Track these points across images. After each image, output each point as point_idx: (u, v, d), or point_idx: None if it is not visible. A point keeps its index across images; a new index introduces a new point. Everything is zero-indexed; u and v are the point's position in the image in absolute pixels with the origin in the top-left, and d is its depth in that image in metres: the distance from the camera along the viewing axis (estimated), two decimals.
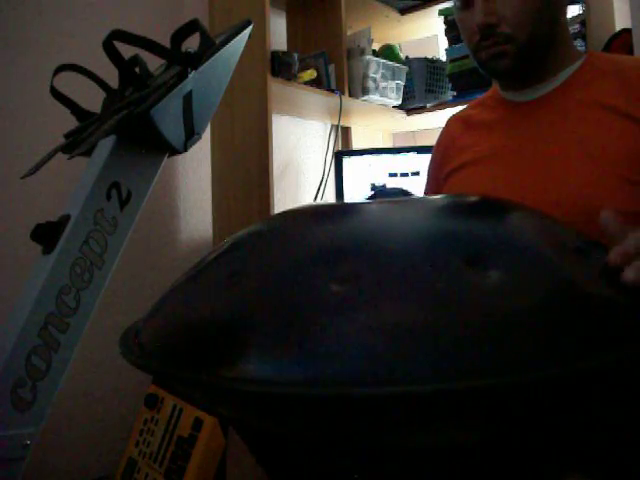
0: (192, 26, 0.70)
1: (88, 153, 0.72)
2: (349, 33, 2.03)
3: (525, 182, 0.83)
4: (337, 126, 2.17)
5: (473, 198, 0.47)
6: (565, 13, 0.88)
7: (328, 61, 1.90)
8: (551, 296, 0.32)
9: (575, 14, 1.68)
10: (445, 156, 1.00)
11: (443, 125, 1.08)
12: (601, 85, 0.83)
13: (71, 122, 0.82)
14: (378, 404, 0.27)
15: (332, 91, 1.87)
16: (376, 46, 2.20)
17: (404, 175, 2.01)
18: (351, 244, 0.36)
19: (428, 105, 2.13)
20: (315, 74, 1.81)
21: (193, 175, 1.77)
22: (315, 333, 0.30)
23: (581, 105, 0.83)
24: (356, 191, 2.01)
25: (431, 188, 1.07)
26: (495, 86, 0.99)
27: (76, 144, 0.75)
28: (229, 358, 0.31)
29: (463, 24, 0.88)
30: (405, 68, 2.10)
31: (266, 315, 0.32)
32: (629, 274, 0.43)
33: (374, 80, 1.98)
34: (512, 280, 0.32)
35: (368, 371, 0.27)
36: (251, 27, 0.82)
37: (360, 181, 2.03)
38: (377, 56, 2.06)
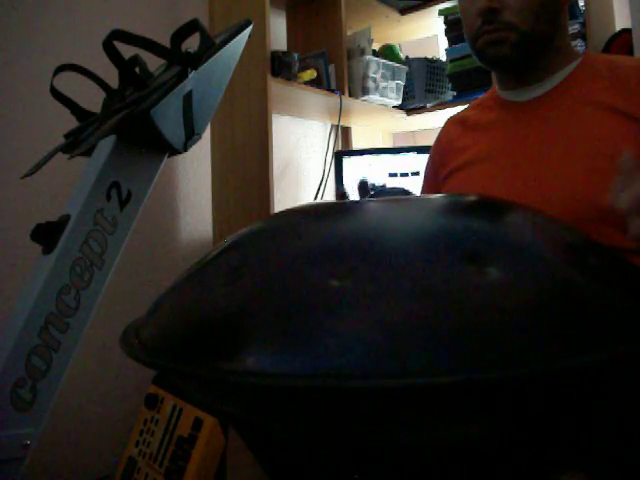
0: (192, 26, 0.70)
1: (88, 153, 0.72)
2: (349, 33, 2.03)
3: (524, 181, 0.83)
4: (337, 126, 2.17)
5: (471, 197, 0.48)
6: (566, 13, 0.89)
7: (328, 61, 1.90)
8: (547, 292, 0.32)
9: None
10: (443, 158, 1.01)
11: (443, 125, 1.08)
12: (597, 85, 0.83)
13: (71, 122, 0.82)
14: (375, 397, 0.28)
15: (332, 91, 1.87)
16: (376, 46, 2.20)
17: (404, 175, 2.01)
18: (350, 241, 0.36)
19: (428, 105, 2.13)
20: (315, 74, 1.81)
21: (193, 175, 1.77)
22: (315, 326, 0.30)
23: (578, 105, 0.83)
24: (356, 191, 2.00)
25: (428, 190, 1.07)
26: (494, 87, 0.99)
27: (76, 144, 0.75)
28: (230, 351, 0.31)
29: (465, 11, 0.88)
30: (405, 68, 2.10)
31: (267, 309, 0.33)
32: (635, 229, 0.46)
33: (374, 80, 1.98)
34: (509, 276, 0.32)
35: (367, 364, 0.28)
36: (251, 27, 0.82)
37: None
38: (377, 56, 2.06)
